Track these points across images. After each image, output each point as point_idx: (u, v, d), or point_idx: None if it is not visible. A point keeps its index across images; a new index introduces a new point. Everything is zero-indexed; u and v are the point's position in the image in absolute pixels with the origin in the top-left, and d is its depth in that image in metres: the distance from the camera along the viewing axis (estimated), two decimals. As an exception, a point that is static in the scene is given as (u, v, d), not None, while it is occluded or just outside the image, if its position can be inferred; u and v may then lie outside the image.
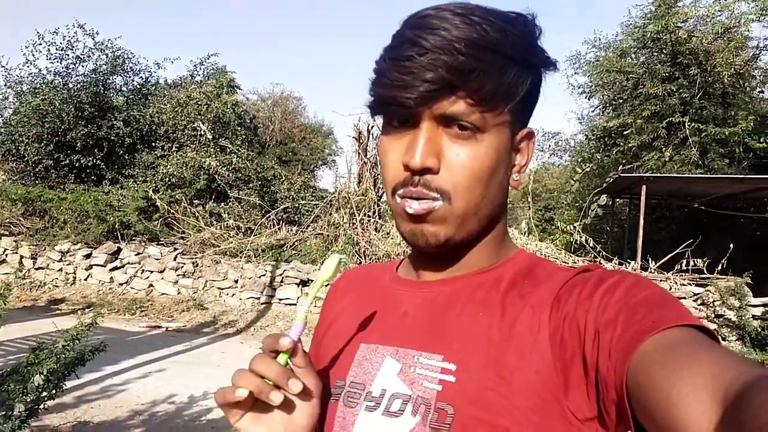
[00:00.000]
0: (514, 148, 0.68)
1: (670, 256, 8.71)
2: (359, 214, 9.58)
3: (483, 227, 0.68)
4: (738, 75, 11.36)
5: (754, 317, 7.48)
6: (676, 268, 8.46)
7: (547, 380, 0.57)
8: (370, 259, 9.13)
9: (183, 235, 10.69)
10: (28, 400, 2.60)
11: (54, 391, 2.75)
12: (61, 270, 10.53)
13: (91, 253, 10.48)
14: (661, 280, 8.37)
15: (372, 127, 10.09)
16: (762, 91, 12.40)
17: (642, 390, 0.47)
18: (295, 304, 9.13)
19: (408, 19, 0.65)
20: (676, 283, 8.29)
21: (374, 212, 9.64)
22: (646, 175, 9.71)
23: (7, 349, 6.27)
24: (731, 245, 8.30)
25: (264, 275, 9.49)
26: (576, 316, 0.58)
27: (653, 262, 8.67)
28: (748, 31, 11.13)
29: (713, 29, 11.38)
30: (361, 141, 10.08)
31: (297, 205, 11.88)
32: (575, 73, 15.11)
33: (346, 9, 52.85)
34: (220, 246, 10.21)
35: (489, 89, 0.61)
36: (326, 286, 0.69)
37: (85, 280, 10.41)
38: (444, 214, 0.64)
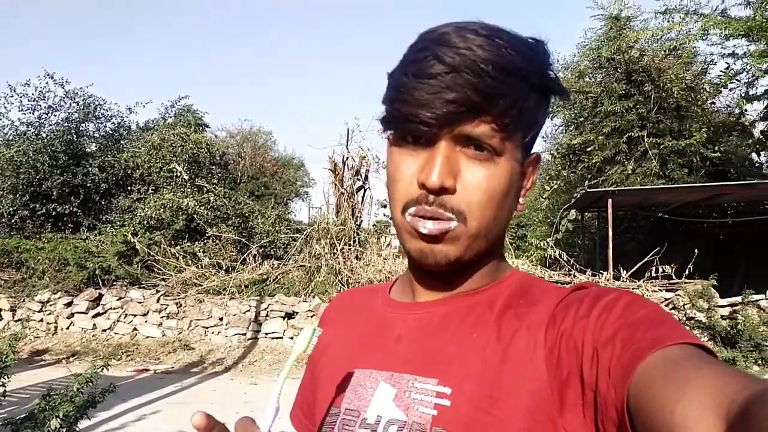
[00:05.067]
0: (522, 172, 0.69)
1: (639, 264, 9.10)
2: (339, 244, 9.80)
3: (488, 248, 0.68)
4: (689, 89, 12.00)
5: (722, 317, 7.85)
6: (646, 275, 8.84)
7: (542, 401, 0.57)
8: (353, 287, 9.31)
9: (164, 277, 10.74)
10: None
11: (69, 434, 2.89)
12: (42, 320, 10.44)
13: (71, 302, 10.43)
14: (633, 288, 8.73)
15: (347, 158, 10.38)
16: (713, 103, 13.07)
17: (644, 408, 0.46)
18: (282, 338, 9.23)
19: (427, 34, 0.63)
20: (647, 290, 8.65)
21: (354, 241, 9.87)
22: (611, 189, 10.15)
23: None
24: (696, 250, 8.71)
25: (248, 311, 9.57)
26: (573, 335, 0.57)
27: (624, 271, 9.04)
28: (695, 47, 11.81)
29: (663, 47, 12.02)
30: (337, 172, 10.35)
31: (274, 239, 12.04)
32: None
33: (309, 45, 53.62)
34: (202, 285, 10.29)
35: (513, 115, 0.61)
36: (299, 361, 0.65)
37: (68, 328, 10.33)
38: (458, 234, 0.63)
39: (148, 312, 10.07)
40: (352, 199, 10.30)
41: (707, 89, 12.53)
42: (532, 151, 0.70)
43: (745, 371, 0.53)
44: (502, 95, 0.59)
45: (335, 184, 10.37)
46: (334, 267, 9.58)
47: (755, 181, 9.52)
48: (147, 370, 8.38)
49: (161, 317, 10.01)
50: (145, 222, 11.67)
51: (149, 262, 11.07)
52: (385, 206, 10.64)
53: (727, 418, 0.39)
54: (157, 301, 10.14)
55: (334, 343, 0.78)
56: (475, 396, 0.60)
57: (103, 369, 2.92)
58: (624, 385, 0.48)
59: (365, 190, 10.66)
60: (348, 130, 10.56)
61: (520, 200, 0.70)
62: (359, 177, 10.59)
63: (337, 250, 9.79)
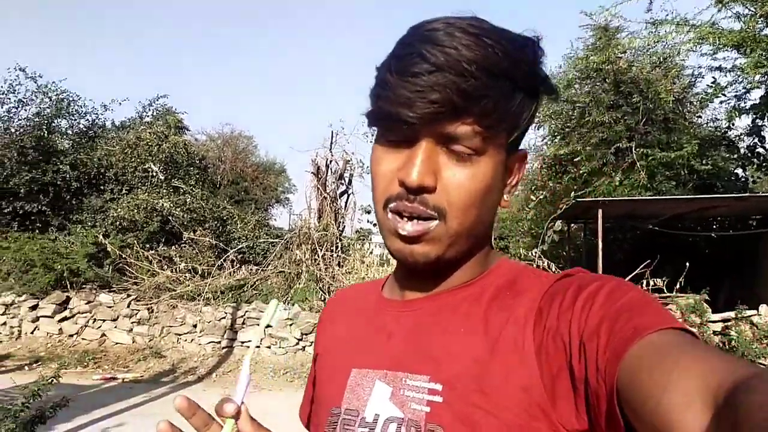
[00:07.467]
0: (507, 170, 0.68)
1: (630, 277, 8.89)
2: (321, 250, 9.43)
3: (472, 246, 0.68)
4: (677, 101, 11.91)
5: (714, 333, 7.66)
6: (636, 288, 8.63)
7: (535, 395, 0.57)
8: (333, 294, 8.95)
9: (136, 281, 10.25)
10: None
11: (11, 456, 2.50)
12: (5, 324, 9.88)
13: (37, 304, 9.90)
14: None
15: (330, 161, 10.04)
16: (699, 116, 13.04)
17: (633, 399, 0.46)
18: (259, 347, 8.82)
19: (416, 30, 0.62)
20: (637, 303, 8.44)
21: (336, 247, 9.52)
22: (602, 199, 9.95)
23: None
24: (687, 264, 8.54)
25: (224, 318, 9.16)
26: (559, 329, 0.57)
27: (614, 283, 8.81)
28: (683, 60, 11.75)
29: (651, 59, 11.94)
30: (319, 176, 9.99)
31: (253, 245, 11.62)
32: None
33: (294, 48, 53.45)
34: (176, 290, 9.83)
35: (495, 117, 0.60)
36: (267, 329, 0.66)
37: (32, 333, 9.80)
38: (438, 234, 0.63)
39: (118, 317, 9.60)
40: (334, 204, 9.95)
41: (694, 102, 12.48)
42: (520, 148, 0.70)
43: (729, 354, 0.46)
44: (485, 96, 0.58)
45: (318, 188, 10.01)
46: (314, 273, 9.20)
47: (748, 195, 9.42)
48: (115, 378, 7.91)
49: (132, 323, 9.55)
50: (118, 223, 11.17)
51: (121, 265, 10.57)
52: (369, 212, 10.32)
53: (715, 404, 0.39)
54: (128, 306, 9.68)
55: (334, 342, 0.80)
56: (466, 392, 0.59)
57: (52, 380, 2.53)
58: (612, 377, 0.48)
59: (349, 195, 10.32)
60: (332, 132, 10.23)
61: (505, 197, 0.69)
62: (343, 181, 10.25)
63: (318, 256, 9.42)
